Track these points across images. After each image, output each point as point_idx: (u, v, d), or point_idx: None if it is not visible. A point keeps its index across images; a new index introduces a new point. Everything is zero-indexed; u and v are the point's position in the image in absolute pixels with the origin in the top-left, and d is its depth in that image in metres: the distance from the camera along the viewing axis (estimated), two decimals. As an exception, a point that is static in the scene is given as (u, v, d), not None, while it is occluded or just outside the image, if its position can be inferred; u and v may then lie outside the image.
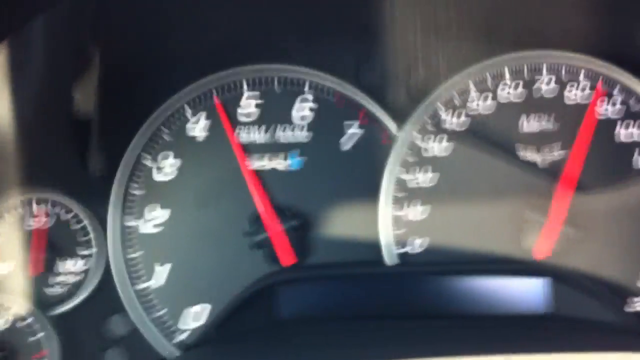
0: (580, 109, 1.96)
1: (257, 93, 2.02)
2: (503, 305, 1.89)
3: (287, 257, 1.94)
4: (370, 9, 1.96)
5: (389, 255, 1.96)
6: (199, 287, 1.98)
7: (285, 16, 2.00)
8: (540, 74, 1.99)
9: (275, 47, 2.03)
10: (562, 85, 1.98)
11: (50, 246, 1.97)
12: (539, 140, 1.96)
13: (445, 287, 1.91)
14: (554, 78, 1.98)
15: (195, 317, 1.98)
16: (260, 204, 1.95)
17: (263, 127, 2.00)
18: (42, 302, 1.96)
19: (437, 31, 2.01)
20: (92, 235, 1.98)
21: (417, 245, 1.97)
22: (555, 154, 1.95)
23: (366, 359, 1.57)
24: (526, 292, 1.90)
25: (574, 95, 1.97)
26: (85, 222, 1.99)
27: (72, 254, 1.99)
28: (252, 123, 2.01)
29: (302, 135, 2.00)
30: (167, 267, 1.98)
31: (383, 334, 1.82)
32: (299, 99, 2.01)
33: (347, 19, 1.99)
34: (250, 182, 1.96)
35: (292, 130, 2.00)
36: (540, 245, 1.91)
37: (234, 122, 2.01)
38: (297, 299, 1.95)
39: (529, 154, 1.96)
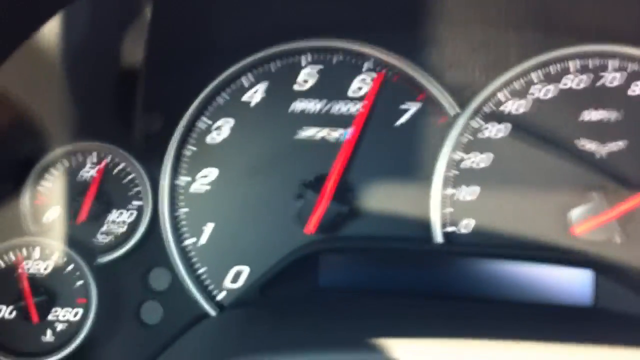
0: (644, 101, 1.91)
1: (317, 66, 2.02)
2: (546, 295, 1.85)
3: (312, 225, 1.93)
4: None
5: (437, 234, 1.94)
6: (240, 249, 1.99)
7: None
8: (606, 69, 1.94)
9: (338, 23, 2.03)
10: (628, 78, 1.93)
11: (100, 196, 2.01)
12: (599, 130, 1.91)
13: (488, 270, 1.88)
14: (620, 72, 1.94)
15: (235, 278, 1.99)
16: (334, 173, 1.95)
17: (318, 99, 2.01)
18: (86, 250, 2.00)
19: (502, 17, 1.98)
20: (142, 189, 2.01)
21: (464, 225, 1.94)
22: (614, 145, 1.90)
23: (405, 335, 1.55)
24: (571, 283, 1.86)
25: (637, 86, 1.92)
26: (137, 175, 2.02)
27: (121, 206, 2.02)
28: (309, 94, 2.01)
29: (356, 109, 1.99)
30: (211, 226, 2.00)
31: (422, 311, 1.79)
32: (357, 75, 2.01)
33: (412, 4, 1.99)
34: (342, 150, 1.96)
35: (347, 103, 2.00)
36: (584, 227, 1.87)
37: (291, 93, 2.02)
38: (341, 270, 1.93)
39: (587, 144, 1.91)
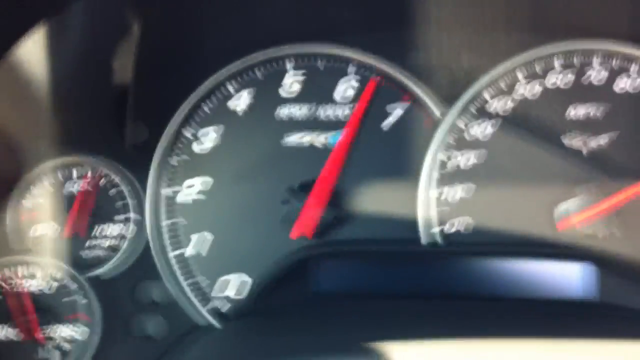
0: (631, 98, 1.91)
1: (301, 71, 2.01)
2: (544, 290, 1.85)
3: (296, 230, 1.92)
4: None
5: (425, 235, 1.93)
6: (232, 257, 1.98)
7: (335, 1, 2.00)
8: (591, 64, 1.94)
9: (321, 27, 2.03)
10: (612, 74, 1.93)
11: (89, 210, 1.99)
12: (585, 126, 1.91)
13: (479, 268, 1.87)
14: (604, 68, 1.94)
15: (229, 286, 1.97)
16: (326, 177, 1.94)
17: (304, 104, 2.00)
18: (78, 264, 1.98)
19: (486, 17, 1.98)
20: (129, 202, 2.00)
21: (453, 225, 1.94)
22: (601, 141, 1.90)
23: (402, 338, 1.54)
24: (569, 277, 1.86)
25: (624, 83, 1.92)
26: (124, 188, 2.00)
27: (110, 219, 2.00)
28: (294, 99, 2.00)
29: (343, 113, 1.98)
30: (202, 235, 1.99)
31: (418, 313, 1.78)
32: (342, 78, 2.00)
33: (396, 5, 1.98)
34: (334, 154, 1.95)
35: (334, 107, 1.99)
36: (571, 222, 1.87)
37: (277, 99, 2.01)
38: (333, 274, 1.92)
39: (573, 140, 1.91)
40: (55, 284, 1.95)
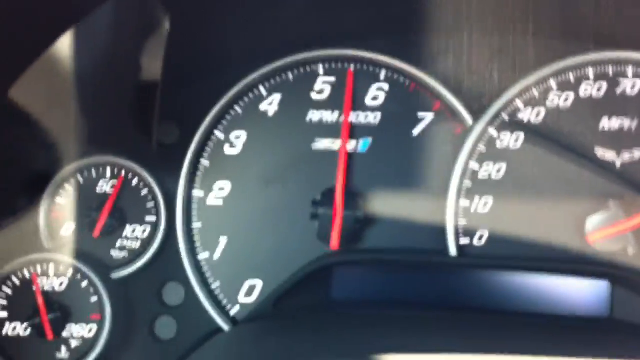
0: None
1: (333, 76, 2.01)
2: (562, 306, 1.84)
3: (335, 240, 1.91)
4: (451, 3, 1.94)
5: (454, 245, 1.92)
6: (255, 263, 1.98)
7: (365, 4, 1.99)
8: (625, 76, 1.92)
9: (354, 32, 2.02)
10: (646, 85, 1.91)
11: (115, 211, 2.00)
12: (617, 139, 1.89)
13: (504, 282, 1.87)
14: (639, 80, 1.92)
15: (249, 292, 1.98)
16: (339, 183, 1.93)
17: (336, 109, 1.99)
18: (102, 266, 1.98)
19: (518, 26, 1.97)
20: (161, 203, 2.00)
21: (480, 237, 1.93)
22: (635, 154, 1.88)
23: (420, 349, 1.53)
24: (587, 294, 1.84)
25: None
26: (155, 189, 2.01)
27: (136, 221, 2.01)
28: (325, 104, 2.00)
29: (372, 118, 1.98)
30: (226, 240, 1.99)
31: (439, 324, 1.77)
32: (374, 84, 2.00)
33: (426, 10, 1.97)
34: (340, 160, 1.95)
35: (364, 112, 1.98)
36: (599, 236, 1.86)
37: (308, 102, 2.00)
38: (355, 282, 1.92)
39: (605, 153, 1.89)
40: (75, 284, 1.96)
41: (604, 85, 1.93)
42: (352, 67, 2.01)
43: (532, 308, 1.84)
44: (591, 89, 1.93)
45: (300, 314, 1.87)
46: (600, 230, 1.85)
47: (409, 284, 1.91)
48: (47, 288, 1.96)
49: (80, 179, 2.02)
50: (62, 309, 1.95)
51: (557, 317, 1.83)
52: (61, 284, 1.96)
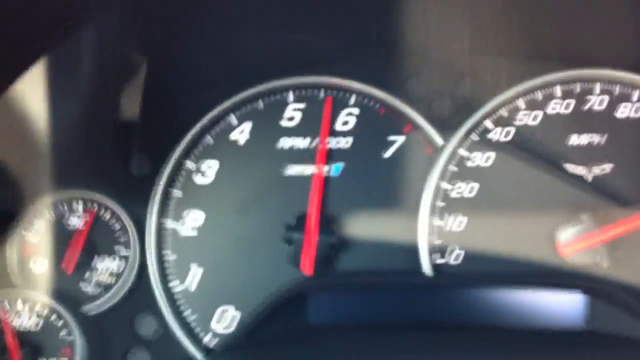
0: (631, 124, 1.91)
1: (302, 102, 2.02)
2: (539, 320, 1.83)
3: (307, 265, 1.90)
4: (418, 24, 1.96)
5: (427, 265, 1.91)
6: (230, 291, 1.96)
7: (333, 30, 2.01)
8: (592, 93, 1.94)
9: (323, 59, 2.03)
10: (613, 101, 1.93)
11: (87, 245, 1.98)
12: (586, 154, 1.90)
13: (480, 299, 1.85)
14: (606, 97, 1.93)
15: (224, 321, 1.95)
16: (314, 208, 1.93)
17: (306, 135, 1.99)
18: (73, 301, 1.96)
19: (487, 46, 1.99)
20: (129, 236, 1.98)
21: (454, 255, 1.92)
22: (605, 168, 1.89)
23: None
24: (564, 307, 1.83)
25: (625, 111, 1.91)
26: (124, 222, 1.99)
27: (108, 254, 1.99)
28: (296, 130, 2.00)
29: (344, 143, 1.98)
30: (200, 270, 1.97)
31: (416, 344, 1.75)
32: (344, 110, 2.00)
33: (394, 34, 1.99)
34: (315, 186, 1.95)
35: (335, 137, 1.99)
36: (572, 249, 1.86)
37: (278, 130, 2.01)
38: (329, 306, 1.90)
39: (575, 168, 1.90)
40: (45, 320, 1.94)
41: (572, 102, 1.94)
42: (322, 93, 2.02)
43: (510, 323, 1.82)
44: (559, 107, 1.95)
45: (276, 341, 1.84)
46: (573, 243, 1.85)
47: (386, 305, 1.88)
48: (17, 325, 1.93)
49: (52, 215, 2.00)
50: (32, 345, 1.91)
51: (535, 331, 1.81)
52: (32, 320, 1.93)
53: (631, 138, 1.90)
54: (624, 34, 1.93)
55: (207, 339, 1.96)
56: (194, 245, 1.98)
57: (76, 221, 2.00)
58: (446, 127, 1.97)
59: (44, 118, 1.88)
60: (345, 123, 2.00)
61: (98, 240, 2.00)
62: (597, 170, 1.90)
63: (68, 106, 1.91)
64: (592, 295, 1.81)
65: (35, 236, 1.99)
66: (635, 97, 1.93)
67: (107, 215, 2.00)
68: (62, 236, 1.99)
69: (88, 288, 1.98)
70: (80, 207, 2.01)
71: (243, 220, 1.98)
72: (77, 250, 1.97)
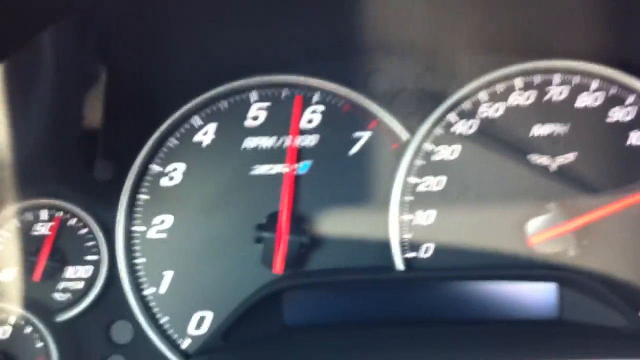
0: (591, 113, 1.94)
1: (265, 102, 2.02)
2: (512, 310, 1.86)
3: (278, 264, 1.91)
4: (379, 19, 1.97)
5: (399, 260, 1.93)
6: (203, 294, 1.96)
7: (294, 28, 2.01)
8: (551, 84, 1.97)
9: (284, 58, 2.03)
10: (573, 91, 1.96)
11: (54, 253, 1.96)
12: (549, 144, 1.93)
13: (453, 292, 1.88)
14: (566, 87, 1.97)
15: (198, 324, 1.95)
16: (284, 207, 1.93)
17: (271, 134, 2.00)
18: (45, 309, 1.95)
19: (448, 40, 2.01)
20: (97, 242, 1.97)
21: (425, 249, 1.94)
22: (568, 157, 1.92)
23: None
24: (535, 296, 1.86)
25: (584, 100, 1.95)
26: (92, 228, 1.98)
27: (77, 261, 1.98)
28: (260, 130, 2.00)
29: (309, 141, 1.99)
30: (171, 273, 1.97)
31: (392, 340, 1.77)
32: (308, 108, 2.01)
33: (355, 30, 1.99)
34: (286, 184, 1.95)
35: (301, 135, 1.99)
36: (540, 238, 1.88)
37: (242, 130, 2.00)
38: (305, 306, 1.91)
39: (539, 158, 1.93)
40: (17, 329, 1.92)
41: (533, 93, 1.97)
42: (285, 91, 2.02)
43: (483, 315, 1.85)
44: (521, 99, 1.97)
45: (252, 343, 1.85)
46: (542, 232, 1.88)
47: (360, 302, 1.90)
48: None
49: (18, 224, 1.98)
50: (5, 356, 1.89)
51: (508, 322, 1.84)
52: (3, 331, 1.91)
53: (592, 127, 1.94)
54: (580, 24, 1.96)
55: (184, 344, 1.96)
56: (163, 248, 1.98)
57: (42, 229, 1.98)
58: (411, 122, 1.99)
59: (4, 128, 1.85)
60: (310, 121, 2.01)
61: (66, 247, 1.98)
62: (561, 159, 1.93)
63: (28, 115, 1.88)
64: (561, 284, 1.85)
65: (2, 246, 1.96)
66: (593, 87, 1.96)
67: (74, 222, 1.99)
68: (28, 245, 1.97)
69: (59, 296, 1.97)
70: (45, 215, 1.98)
71: (212, 221, 1.98)
72: (43, 257, 1.95)
